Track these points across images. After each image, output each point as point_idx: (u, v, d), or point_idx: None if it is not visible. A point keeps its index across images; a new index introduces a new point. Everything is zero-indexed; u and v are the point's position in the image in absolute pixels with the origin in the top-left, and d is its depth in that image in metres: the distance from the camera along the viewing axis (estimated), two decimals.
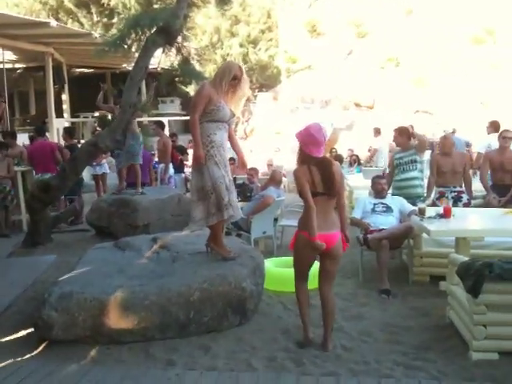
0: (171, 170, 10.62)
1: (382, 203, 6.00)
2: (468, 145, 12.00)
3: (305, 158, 3.97)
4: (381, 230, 5.61)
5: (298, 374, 3.66)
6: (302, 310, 4.19)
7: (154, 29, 6.89)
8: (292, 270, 4.26)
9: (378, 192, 6.21)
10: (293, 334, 4.35)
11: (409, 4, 22.69)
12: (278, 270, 5.66)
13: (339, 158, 12.07)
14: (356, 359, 3.88)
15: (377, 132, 13.61)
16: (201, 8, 7.77)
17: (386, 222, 5.73)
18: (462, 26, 20.47)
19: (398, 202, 6.05)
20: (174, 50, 7.27)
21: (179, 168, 11.10)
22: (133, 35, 7.02)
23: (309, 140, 3.94)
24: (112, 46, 6.99)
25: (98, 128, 14.79)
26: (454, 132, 12.93)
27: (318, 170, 3.92)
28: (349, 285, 5.63)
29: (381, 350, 4.05)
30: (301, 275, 4.20)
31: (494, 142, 7.62)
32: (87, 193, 10.88)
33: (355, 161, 11.97)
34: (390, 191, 6.75)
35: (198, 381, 3.57)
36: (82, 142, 13.37)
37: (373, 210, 5.92)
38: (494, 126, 8.41)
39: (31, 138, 10.78)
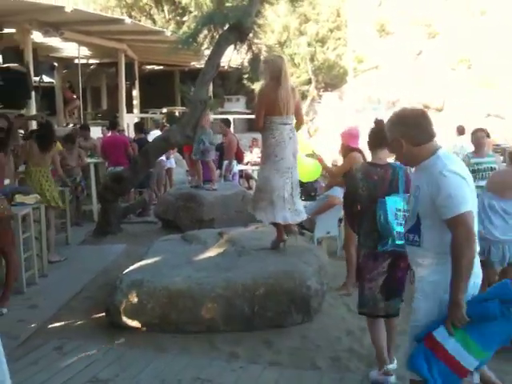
0: (235, 167, 10.72)
1: None
2: None
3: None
4: None
5: (363, 376, 3.63)
6: None
7: (227, 26, 7.00)
8: None
9: None
10: (357, 335, 4.30)
11: (483, 4, 21.89)
12: None
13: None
14: None
15: (458, 131, 11.81)
16: (273, 5, 7.79)
17: None
18: None
19: None
20: (245, 47, 7.34)
21: None
22: (205, 32, 7.17)
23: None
24: (184, 44, 7.16)
25: (165, 124, 15.17)
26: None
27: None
28: None
29: None
30: None
31: None
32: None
33: None
34: None
35: (262, 375, 3.60)
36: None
37: None
38: None
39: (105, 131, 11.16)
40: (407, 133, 2.56)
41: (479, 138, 6.32)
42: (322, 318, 4.64)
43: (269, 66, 4.81)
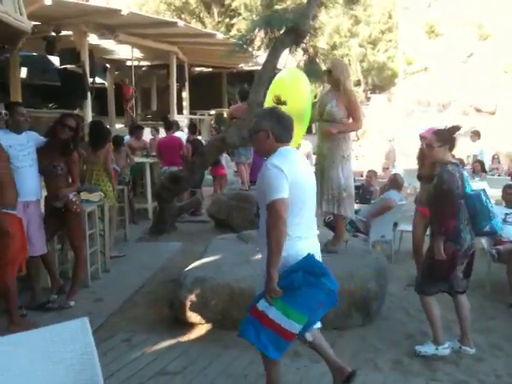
0: None
1: None
2: None
3: None
4: None
5: (426, 379, 3.62)
6: None
7: (283, 29, 7.05)
8: None
9: (508, 202, 5.96)
10: (418, 340, 4.29)
11: None
12: None
13: (461, 162, 11.48)
14: (487, 371, 3.77)
15: (475, 135, 12.06)
16: (329, 8, 7.79)
17: None
18: None
19: None
20: (300, 50, 7.37)
21: None
22: (262, 35, 7.23)
23: None
24: (241, 47, 7.24)
25: (214, 125, 15.37)
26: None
27: None
28: (475, 296, 5.42)
29: None
30: None
31: None
32: (205, 187, 11.31)
33: (481, 168, 11.12)
34: None
35: (325, 374, 3.63)
36: (199, 138, 13.98)
37: (504, 221, 5.66)
38: None
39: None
40: (277, 128, 2.93)
41: None
42: (381, 322, 4.65)
43: (346, 69, 5.04)
